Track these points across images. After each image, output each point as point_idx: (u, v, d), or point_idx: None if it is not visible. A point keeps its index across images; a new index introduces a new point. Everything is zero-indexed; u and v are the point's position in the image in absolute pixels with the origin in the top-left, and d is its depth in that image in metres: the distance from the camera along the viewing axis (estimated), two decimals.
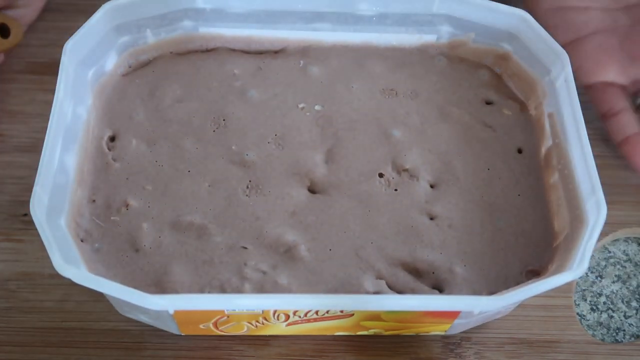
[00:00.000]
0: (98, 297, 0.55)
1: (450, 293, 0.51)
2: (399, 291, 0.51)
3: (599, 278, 0.60)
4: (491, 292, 0.50)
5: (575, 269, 0.46)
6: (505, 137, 0.58)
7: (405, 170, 0.56)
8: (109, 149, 0.56)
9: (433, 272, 0.52)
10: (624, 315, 0.59)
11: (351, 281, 0.51)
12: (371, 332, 0.54)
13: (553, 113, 0.56)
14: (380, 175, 0.56)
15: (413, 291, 0.51)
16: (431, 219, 0.54)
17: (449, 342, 0.56)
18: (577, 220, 0.51)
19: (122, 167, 0.55)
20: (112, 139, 0.57)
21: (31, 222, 0.47)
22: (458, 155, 0.57)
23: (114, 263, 0.51)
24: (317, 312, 0.49)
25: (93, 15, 0.55)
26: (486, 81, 0.62)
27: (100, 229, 0.52)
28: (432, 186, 0.56)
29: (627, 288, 0.60)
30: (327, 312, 0.49)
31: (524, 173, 0.57)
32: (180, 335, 0.55)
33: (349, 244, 0.52)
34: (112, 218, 0.53)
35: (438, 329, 0.54)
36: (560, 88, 0.55)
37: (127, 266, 0.51)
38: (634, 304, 0.59)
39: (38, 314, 0.56)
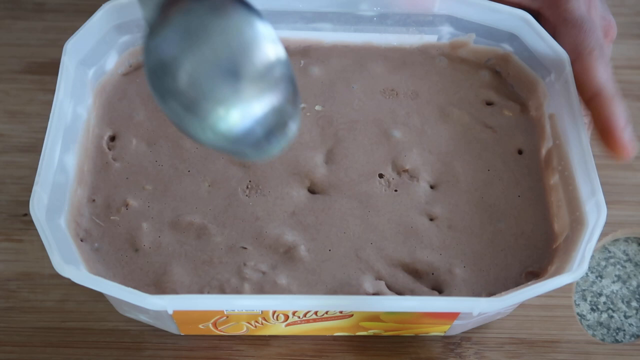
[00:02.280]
0: (98, 297, 0.55)
1: (449, 294, 0.51)
2: (399, 292, 0.51)
3: (599, 278, 0.60)
4: (490, 294, 0.50)
5: (574, 271, 0.46)
6: (506, 138, 0.58)
7: (405, 170, 0.56)
8: (109, 149, 0.56)
9: (432, 273, 0.52)
10: (624, 315, 0.59)
11: (350, 282, 0.51)
12: (370, 332, 0.54)
13: (553, 114, 0.56)
14: (380, 175, 0.56)
15: (412, 292, 0.51)
16: (431, 219, 0.54)
17: (449, 342, 0.56)
18: (577, 221, 0.51)
19: (122, 167, 0.55)
20: (112, 138, 0.57)
21: (31, 222, 0.47)
22: (458, 156, 0.57)
23: (113, 263, 0.51)
24: (316, 313, 0.49)
25: (93, 15, 0.55)
26: (487, 82, 0.61)
27: (100, 229, 0.52)
28: (432, 187, 0.56)
29: (627, 288, 0.60)
30: (327, 312, 0.49)
31: (524, 174, 0.56)
32: (180, 335, 0.55)
33: (348, 244, 0.52)
34: (111, 218, 0.53)
35: (437, 330, 0.54)
36: (561, 89, 0.55)
37: (126, 266, 0.51)
38: (634, 304, 0.59)
39: (38, 314, 0.56)
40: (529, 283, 0.48)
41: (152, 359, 0.55)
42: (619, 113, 0.52)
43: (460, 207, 0.55)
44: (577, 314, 0.58)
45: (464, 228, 0.54)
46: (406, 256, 0.52)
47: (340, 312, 0.49)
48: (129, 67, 0.60)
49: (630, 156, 0.52)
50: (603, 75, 0.54)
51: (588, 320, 0.58)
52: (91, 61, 0.56)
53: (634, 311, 0.59)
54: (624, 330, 0.58)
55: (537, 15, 0.60)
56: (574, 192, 0.52)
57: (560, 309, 0.58)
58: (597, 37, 0.56)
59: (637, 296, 0.59)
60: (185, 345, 0.55)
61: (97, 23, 0.56)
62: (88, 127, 0.56)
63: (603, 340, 0.57)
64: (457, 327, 0.53)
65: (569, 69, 0.55)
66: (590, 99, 0.53)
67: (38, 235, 0.46)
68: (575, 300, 0.59)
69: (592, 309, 0.59)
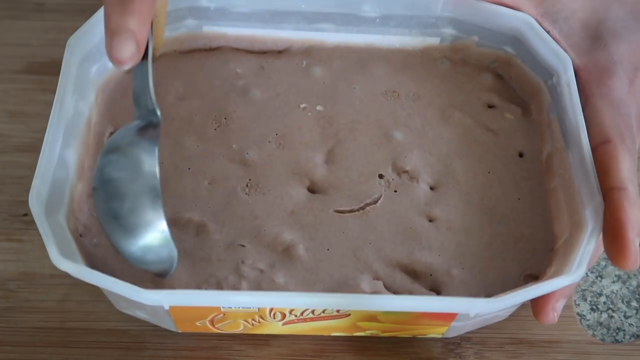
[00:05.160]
0: (98, 297, 0.55)
1: (447, 295, 0.51)
2: (396, 292, 0.51)
3: (599, 278, 0.60)
4: (489, 296, 0.50)
5: (572, 273, 0.46)
6: (507, 141, 0.58)
7: (406, 172, 0.56)
8: None
9: (431, 275, 0.52)
10: (624, 315, 0.58)
11: (348, 282, 0.51)
12: (368, 333, 0.54)
13: (555, 118, 0.56)
14: (380, 176, 0.56)
15: (410, 293, 0.51)
16: (430, 221, 0.54)
17: (449, 342, 0.56)
18: (576, 225, 0.51)
19: None
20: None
21: (31, 222, 0.47)
22: (459, 158, 0.57)
23: (112, 258, 0.51)
24: (313, 312, 0.49)
25: (97, 12, 0.55)
26: (489, 84, 0.61)
27: (99, 225, 0.52)
28: (432, 188, 0.56)
29: (627, 288, 0.60)
30: (323, 311, 0.49)
31: (524, 177, 0.56)
32: (180, 334, 0.55)
33: (347, 244, 0.52)
34: None
35: (435, 332, 0.54)
36: (563, 93, 0.55)
37: (125, 262, 0.51)
38: (634, 304, 0.59)
39: (38, 314, 0.56)
40: (527, 285, 0.48)
41: (152, 358, 0.55)
42: (636, 219, 0.49)
43: (460, 209, 0.55)
44: (577, 314, 0.58)
45: (463, 230, 0.54)
46: (404, 257, 0.52)
47: (337, 311, 0.49)
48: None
49: (632, 267, 0.49)
50: (628, 169, 0.51)
51: (588, 320, 0.58)
52: (94, 58, 0.56)
53: (634, 311, 0.59)
54: (624, 330, 0.58)
55: (574, 70, 0.57)
56: (573, 196, 0.52)
57: None
58: (630, 125, 0.54)
59: (637, 296, 0.59)
60: (185, 345, 0.55)
61: (101, 20, 0.56)
62: (89, 123, 0.56)
63: (603, 340, 0.57)
64: (454, 329, 0.53)
65: (571, 72, 0.55)
66: (610, 190, 0.50)
67: (38, 235, 0.46)
68: (575, 300, 0.59)
69: (592, 309, 0.59)
